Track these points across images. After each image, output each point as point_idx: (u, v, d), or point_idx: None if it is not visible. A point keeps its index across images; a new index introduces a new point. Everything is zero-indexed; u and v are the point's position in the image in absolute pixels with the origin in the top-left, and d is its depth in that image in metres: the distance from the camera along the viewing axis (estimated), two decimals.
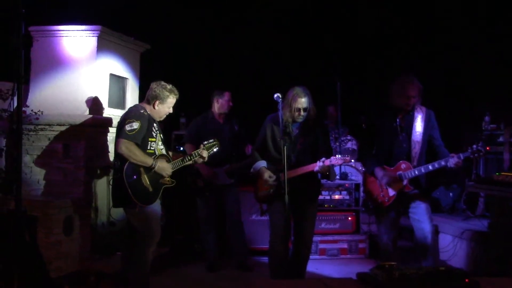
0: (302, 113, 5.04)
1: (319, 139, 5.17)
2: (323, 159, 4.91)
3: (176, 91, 5.09)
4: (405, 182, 5.03)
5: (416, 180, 5.07)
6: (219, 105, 6.56)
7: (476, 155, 4.81)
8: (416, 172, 4.99)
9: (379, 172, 5.12)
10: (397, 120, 5.15)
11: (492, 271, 5.84)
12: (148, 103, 5.05)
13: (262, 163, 5.20)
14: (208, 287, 6.02)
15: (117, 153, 4.89)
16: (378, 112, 5.38)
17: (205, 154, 5.24)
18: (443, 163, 4.88)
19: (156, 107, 5.02)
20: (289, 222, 4.91)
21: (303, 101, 5.01)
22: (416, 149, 5.09)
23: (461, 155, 4.80)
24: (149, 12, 8.15)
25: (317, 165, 4.92)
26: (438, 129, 5.22)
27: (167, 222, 6.97)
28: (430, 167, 4.95)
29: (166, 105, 5.05)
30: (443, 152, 5.08)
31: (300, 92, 5.02)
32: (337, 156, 4.94)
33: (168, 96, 5.02)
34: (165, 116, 5.16)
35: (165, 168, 4.97)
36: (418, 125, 5.12)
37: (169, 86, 5.06)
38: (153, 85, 5.08)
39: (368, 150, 5.39)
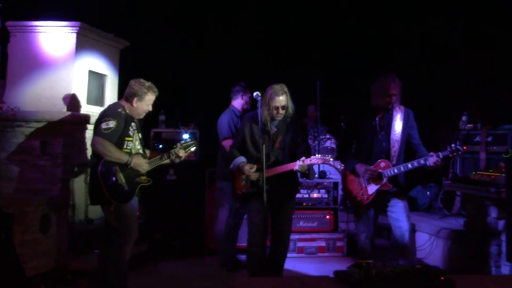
0: (280, 111, 5.03)
1: (298, 138, 5.17)
2: (303, 158, 4.91)
3: (155, 89, 5.05)
4: (384, 180, 5.06)
5: (394, 179, 5.10)
6: (243, 101, 6.55)
7: (454, 154, 4.85)
8: (396, 171, 5.02)
9: (361, 167, 5.13)
10: (376, 118, 5.17)
11: (468, 269, 5.90)
12: (127, 100, 5.00)
13: (242, 159, 5.18)
14: (186, 285, 6.00)
15: (93, 151, 4.86)
16: (357, 111, 5.40)
17: (181, 153, 5.21)
18: (422, 161, 4.92)
19: (134, 104, 4.97)
20: (267, 220, 4.90)
21: (281, 99, 5.00)
22: (395, 147, 5.12)
23: (440, 154, 4.84)
24: (129, 8, 8.09)
25: (297, 164, 4.92)
26: (416, 128, 5.26)
27: (146, 220, 6.94)
28: (410, 166, 4.98)
29: (144, 103, 5.00)
30: (421, 151, 5.12)
31: (278, 90, 5.01)
32: (317, 155, 4.95)
33: (146, 93, 4.98)
34: (144, 114, 5.12)
35: (141, 163, 4.94)
36: (397, 124, 5.15)
37: (147, 84, 5.02)
38: (132, 82, 5.03)
39: (347, 149, 5.41)
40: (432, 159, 4.86)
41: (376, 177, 5.09)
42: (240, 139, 5.30)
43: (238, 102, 6.57)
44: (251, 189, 5.11)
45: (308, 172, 5.08)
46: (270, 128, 5.11)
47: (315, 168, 7.91)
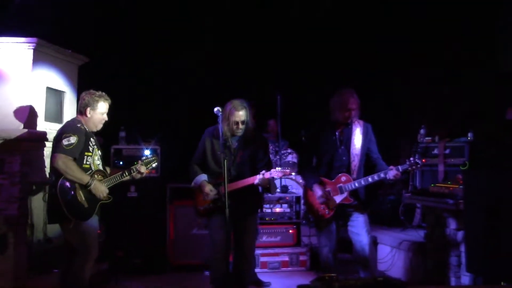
0: (240, 126, 5.04)
1: (259, 152, 5.18)
2: (263, 171, 4.92)
3: (106, 97, 5.04)
4: (345, 194, 5.10)
5: (355, 193, 5.15)
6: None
7: (413, 167, 4.94)
8: (356, 185, 5.07)
9: (317, 191, 5.16)
10: (336, 133, 5.23)
11: (429, 280, 5.97)
12: (81, 113, 4.99)
13: (203, 177, 5.18)
14: None
15: (52, 168, 4.78)
16: (317, 125, 5.44)
17: (143, 169, 5.19)
18: (382, 175, 5.00)
19: (88, 115, 4.94)
20: (229, 236, 4.89)
21: (240, 114, 5.02)
22: (355, 162, 5.18)
23: (400, 168, 4.93)
24: (87, 24, 8.00)
25: (257, 178, 4.93)
26: (375, 142, 5.34)
27: (107, 238, 6.84)
28: (370, 179, 5.05)
29: (98, 111, 4.97)
30: (381, 165, 5.20)
31: (238, 105, 5.02)
32: (277, 168, 4.97)
33: (97, 101, 4.96)
34: (101, 125, 5.07)
35: (101, 190, 4.87)
36: (357, 138, 5.22)
37: (98, 92, 5.02)
38: (82, 94, 5.05)
39: (307, 164, 5.44)
40: (391, 173, 4.94)
41: (331, 203, 5.13)
42: (200, 154, 5.28)
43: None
44: (212, 205, 5.09)
45: (269, 186, 5.10)
46: (231, 143, 5.11)
47: (277, 182, 7.93)
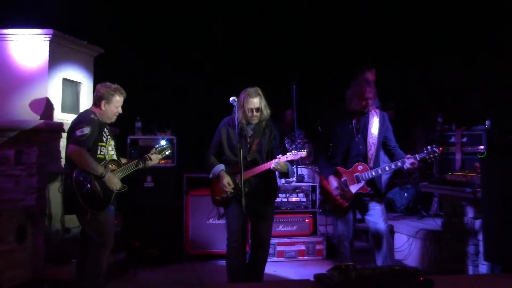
0: (254, 113, 5.04)
1: (275, 140, 5.17)
2: (279, 156, 4.92)
3: (122, 90, 5.04)
4: (362, 183, 5.07)
5: (372, 182, 5.12)
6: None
7: (431, 155, 4.89)
8: (374, 174, 5.03)
9: (333, 182, 5.12)
10: (353, 122, 5.19)
11: (446, 269, 5.95)
12: (96, 105, 5.00)
13: (221, 167, 5.17)
14: None
15: (67, 159, 4.81)
16: (331, 113, 5.40)
17: (154, 157, 5.21)
18: (399, 164, 4.95)
19: (103, 107, 4.95)
20: (246, 225, 4.89)
21: (255, 102, 5.01)
22: (372, 150, 5.13)
23: (417, 156, 4.88)
24: (102, 15, 8.03)
25: (273, 162, 4.93)
26: (392, 130, 5.29)
27: (124, 228, 6.88)
28: (387, 168, 5.02)
29: (113, 105, 4.98)
30: (398, 153, 5.15)
31: (252, 93, 5.02)
32: (293, 151, 4.96)
33: (113, 95, 4.96)
34: (115, 117, 5.08)
35: (114, 182, 4.89)
36: (374, 127, 5.17)
37: (114, 86, 5.02)
38: (98, 86, 5.05)
39: (323, 154, 5.40)
40: (409, 161, 4.89)
41: (347, 194, 5.10)
42: (216, 144, 5.28)
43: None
44: (229, 194, 5.10)
45: (287, 170, 5.07)
46: (246, 132, 5.11)
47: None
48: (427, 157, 4.91)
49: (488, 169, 4.56)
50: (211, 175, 5.22)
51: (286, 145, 8.34)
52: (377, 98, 5.41)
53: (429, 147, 4.91)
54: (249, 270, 5.18)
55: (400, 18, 8.72)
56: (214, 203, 5.38)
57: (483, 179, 4.66)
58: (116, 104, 5.00)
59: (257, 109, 5.04)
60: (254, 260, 5.23)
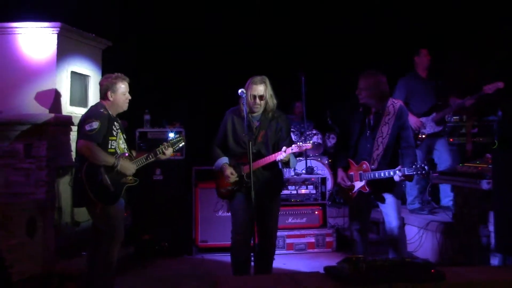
0: (258, 101, 5.01)
1: (281, 131, 5.15)
2: (284, 148, 4.91)
3: (123, 76, 5.06)
4: (363, 182, 5.05)
5: (374, 182, 5.06)
6: None
7: (419, 172, 4.77)
8: (372, 176, 4.99)
9: (338, 175, 5.17)
10: (366, 117, 5.14)
11: (457, 261, 5.93)
12: (104, 98, 5.03)
13: (224, 159, 5.16)
14: (175, 286, 5.97)
15: (77, 153, 4.84)
16: (352, 108, 5.35)
17: (169, 151, 5.22)
18: (391, 173, 4.88)
19: (110, 98, 4.98)
20: (252, 218, 4.89)
21: (259, 89, 4.99)
22: (378, 151, 5.05)
23: (405, 170, 4.78)
24: (109, 7, 8.04)
25: (280, 154, 4.91)
26: (409, 129, 5.18)
27: (133, 221, 6.92)
28: (382, 175, 4.92)
29: (119, 92, 5.00)
30: (407, 155, 5.04)
31: (257, 80, 5.01)
32: (298, 143, 4.96)
33: (115, 83, 4.99)
34: (126, 104, 5.09)
35: (129, 167, 4.93)
36: (386, 125, 5.06)
37: (114, 74, 5.05)
38: (100, 80, 5.13)
39: (341, 144, 5.43)
40: (396, 177, 4.83)
41: (351, 188, 5.10)
42: (221, 135, 5.26)
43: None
44: (235, 186, 5.09)
45: (288, 160, 5.04)
46: (253, 123, 5.09)
47: (303, 164, 7.94)
48: (414, 173, 4.82)
49: (500, 160, 4.55)
50: (214, 167, 5.22)
51: (295, 137, 8.35)
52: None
53: (418, 164, 4.82)
54: (257, 263, 5.18)
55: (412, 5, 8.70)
56: (219, 196, 5.34)
57: (495, 170, 4.64)
58: (121, 91, 5.02)
59: (261, 97, 5.01)
60: (262, 252, 5.20)
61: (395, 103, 5.13)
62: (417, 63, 7.19)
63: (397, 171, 4.82)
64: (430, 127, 6.87)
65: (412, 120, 6.78)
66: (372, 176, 4.98)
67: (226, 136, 5.20)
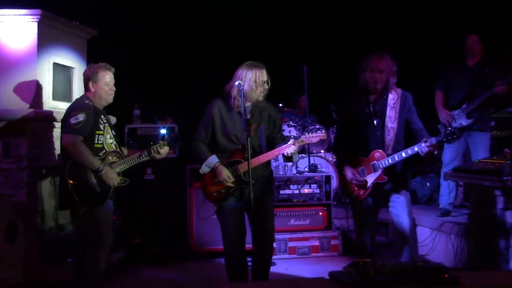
0: (266, 86, 4.93)
1: (274, 123, 5.07)
2: (292, 140, 4.83)
3: (107, 66, 5.03)
4: (379, 172, 5.00)
5: (391, 170, 5.03)
6: None
7: (449, 138, 4.77)
8: (390, 161, 4.94)
9: (347, 173, 5.07)
10: (370, 105, 5.10)
11: (473, 265, 5.89)
12: (87, 89, 5.00)
13: (215, 159, 4.96)
14: None
15: (62, 149, 4.80)
16: (348, 98, 5.32)
17: (166, 149, 5.13)
18: (416, 148, 4.83)
19: (92, 89, 4.95)
20: (243, 222, 4.81)
21: (265, 73, 4.92)
22: (390, 136, 5.03)
23: (434, 139, 4.75)
24: None
25: (288, 147, 4.82)
26: (415, 112, 5.16)
27: (123, 224, 6.87)
28: (404, 154, 4.89)
29: (100, 82, 4.95)
30: (423, 136, 5.01)
31: (260, 64, 4.93)
32: (309, 133, 4.90)
33: (97, 72, 4.96)
34: (110, 96, 5.02)
35: (112, 177, 4.82)
36: (392, 110, 5.06)
37: (97, 64, 5.03)
38: (84, 70, 5.11)
39: (341, 143, 5.35)
40: (424, 145, 4.78)
41: (363, 184, 5.03)
42: (207, 130, 5.04)
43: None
44: (228, 188, 4.97)
45: (292, 154, 4.95)
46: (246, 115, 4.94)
47: (306, 161, 7.90)
48: (445, 139, 4.79)
49: None
50: (205, 167, 4.99)
51: (297, 132, 8.32)
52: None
53: (447, 129, 4.80)
54: (254, 268, 5.06)
55: None
56: (209, 200, 5.11)
57: None
58: (103, 80, 4.96)
59: (267, 82, 4.95)
60: (260, 256, 5.05)
61: (396, 88, 5.11)
62: (464, 52, 7.01)
63: (422, 143, 4.75)
64: (461, 120, 6.75)
65: (442, 114, 6.72)
66: (390, 161, 4.91)
67: (214, 130, 5.02)
